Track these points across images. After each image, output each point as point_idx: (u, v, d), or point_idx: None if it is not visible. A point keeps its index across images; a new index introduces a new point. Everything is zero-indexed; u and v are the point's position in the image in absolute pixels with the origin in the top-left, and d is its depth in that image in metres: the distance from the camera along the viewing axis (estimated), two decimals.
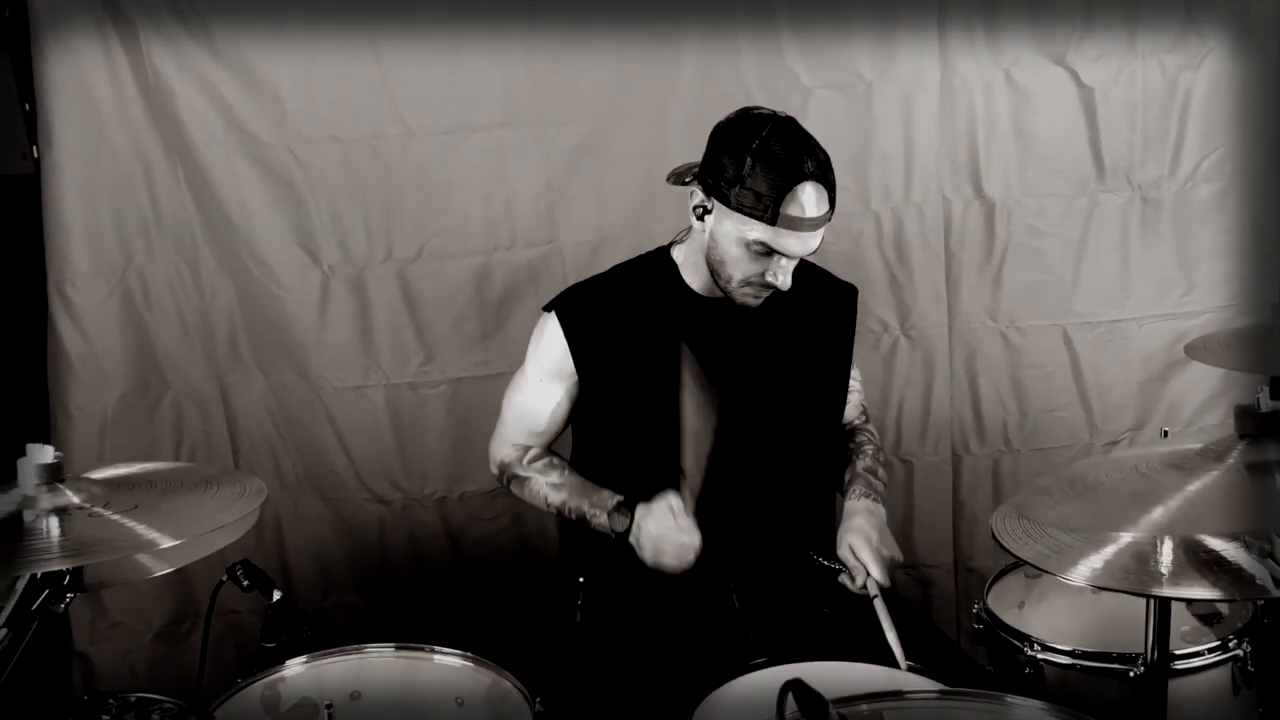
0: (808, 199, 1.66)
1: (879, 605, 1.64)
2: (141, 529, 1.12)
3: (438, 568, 2.60)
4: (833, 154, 2.35)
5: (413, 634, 2.54)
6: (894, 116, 2.39)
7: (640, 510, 1.77)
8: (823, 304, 1.96)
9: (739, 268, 1.74)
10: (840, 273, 2.44)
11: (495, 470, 2.04)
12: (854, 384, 2.04)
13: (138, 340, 2.45)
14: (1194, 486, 1.04)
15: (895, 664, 1.57)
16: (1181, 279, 2.47)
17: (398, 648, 1.76)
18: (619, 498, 1.81)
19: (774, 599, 1.84)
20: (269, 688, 1.70)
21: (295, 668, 1.71)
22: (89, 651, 2.52)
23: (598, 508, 1.83)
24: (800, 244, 1.70)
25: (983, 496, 2.58)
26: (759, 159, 1.66)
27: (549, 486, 1.91)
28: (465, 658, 1.73)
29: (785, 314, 1.89)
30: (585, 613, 1.97)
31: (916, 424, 2.54)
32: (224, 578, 1.70)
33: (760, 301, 1.80)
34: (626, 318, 1.88)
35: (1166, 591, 1.11)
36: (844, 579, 1.76)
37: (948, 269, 2.47)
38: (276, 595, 1.70)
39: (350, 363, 2.48)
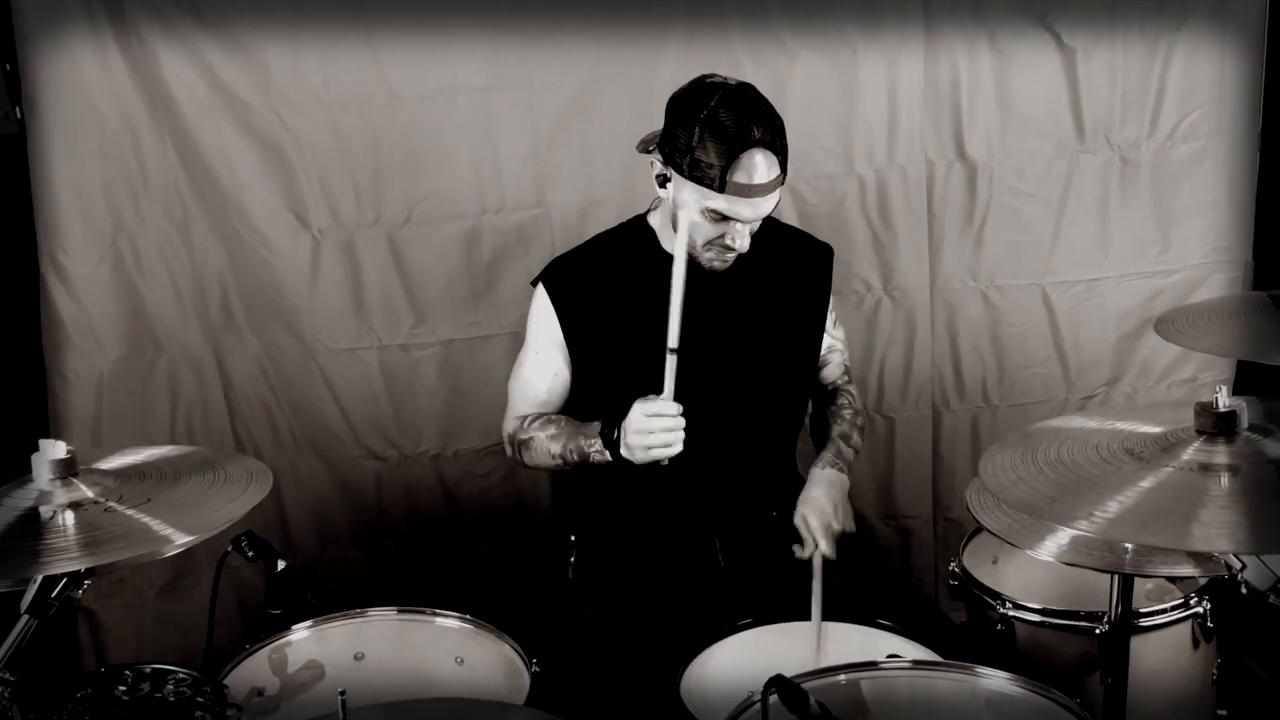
0: (755, 166, 1.70)
1: (816, 562, 1.74)
2: (156, 525, 1.17)
3: (434, 521, 2.67)
4: (817, 117, 2.42)
5: (410, 586, 2.65)
6: (878, 79, 2.41)
7: (623, 422, 1.78)
8: (797, 263, 2.01)
9: (699, 232, 1.80)
10: (824, 234, 2.47)
11: (507, 448, 2.04)
12: (836, 344, 2.09)
13: (131, 305, 2.47)
14: (1147, 483, 1.09)
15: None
16: (1158, 237, 2.52)
17: (399, 610, 1.84)
18: (599, 423, 1.83)
19: (758, 556, 1.92)
20: (276, 651, 1.78)
21: (301, 632, 1.79)
22: (95, 608, 2.58)
23: (591, 437, 1.84)
24: (751, 209, 1.75)
25: (961, 450, 2.65)
26: (706, 128, 1.70)
27: (548, 439, 1.91)
28: (464, 620, 1.81)
29: (759, 274, 1.95)
30: (577, 569, 2.05)
31: (898, 381, 2.60)
32: (229, 548, 1.76)
33: (727, 265, 1.85)
34: (610, 285, 1.93)
35: (1130, 570, 1.18)
36: (795, 547, 1.82)
37: (930, 230, 2.50)
38: (281, 565, 1.76)
39: (343, 325, 2.51)
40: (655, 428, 1.71)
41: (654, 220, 1.96)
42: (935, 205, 2.49)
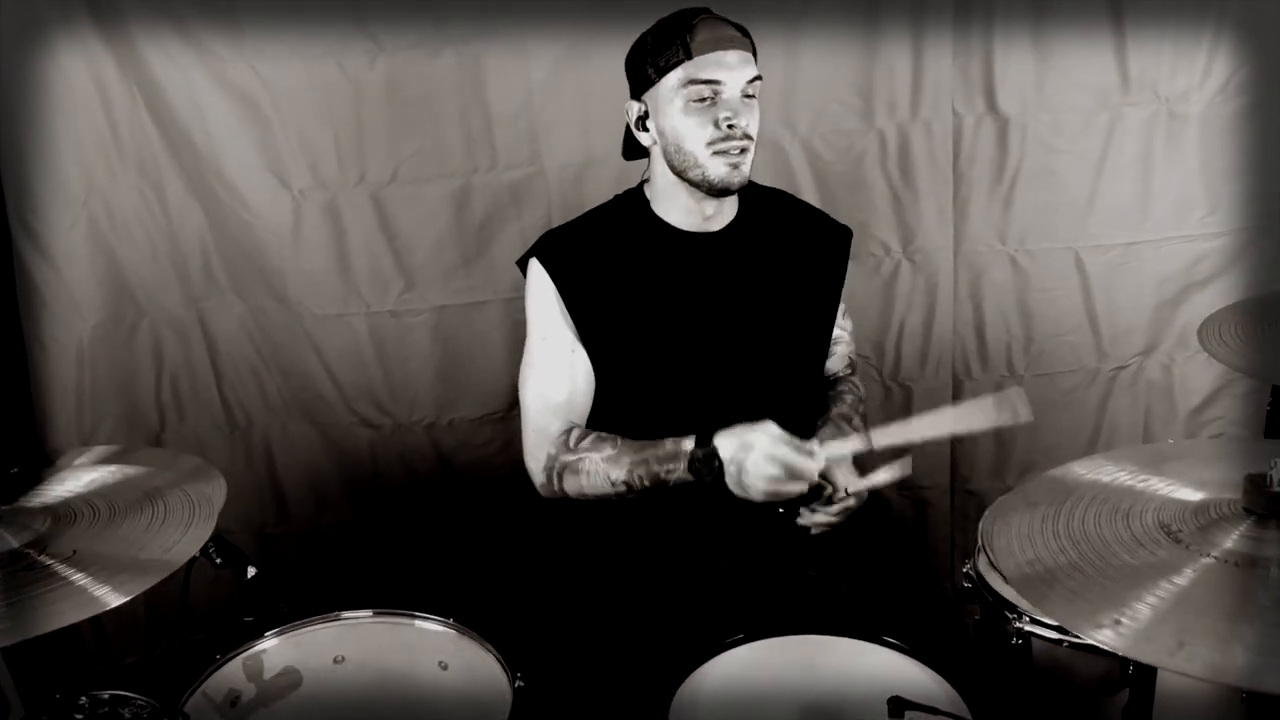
0: (714, 24, 1.66)
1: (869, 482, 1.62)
2: (83, 581, 1.06)
3: (431, 488, 2.59)
4: (834, 66, 2.24)
5: (403, 566, 2.58)
6: (902, 26, 2.19)
7: (729, 444, 1.57)
8: (813, 244, 1.85)
9: (695, 136, 1.66)
10: (841, 194, 2.32)
11: (542, 480, 1.77)
12: (843, 334, 1.94)
13: (108, 268, 2.37)
14: (1183, 579, 0.94)
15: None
16: (1204, 198, 2.31)
17: (376, 613, 1.76)
18: (689, 440, 1.60)
19: (763, 559, 1.81)
20: (251, 659, 1.70)
21: (275, 639, 1.71)
22: None
23: (670, 460, 1.61)
24: (727, 68, 1.63)
25: None
26: (656, 27, 1.70)
27: (605, 461, 1.67)
28: (447, 624, 1.73)
29: (771, 251, 1.79)
30: (570, 560, 1.95)
31: (916, 349, 2.45)
32: (196, 554, 1.67)
33: (741, 172, 1.67)
34: (608, 260, 1.77)
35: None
36: (802, 516, 1.69)
37: (955, 189, 2.32)
38: (251, 572, 1.67)
39: (329, 290, 2.39)
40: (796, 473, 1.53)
41: (649, 190, 1.80)
42: (962, 163, 2.29)
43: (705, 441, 1.59)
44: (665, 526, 1.81)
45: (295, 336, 2.44)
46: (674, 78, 1.64)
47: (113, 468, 1.34)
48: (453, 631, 1.72)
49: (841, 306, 1.92)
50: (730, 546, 1.80)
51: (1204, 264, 2.34)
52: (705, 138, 1.65)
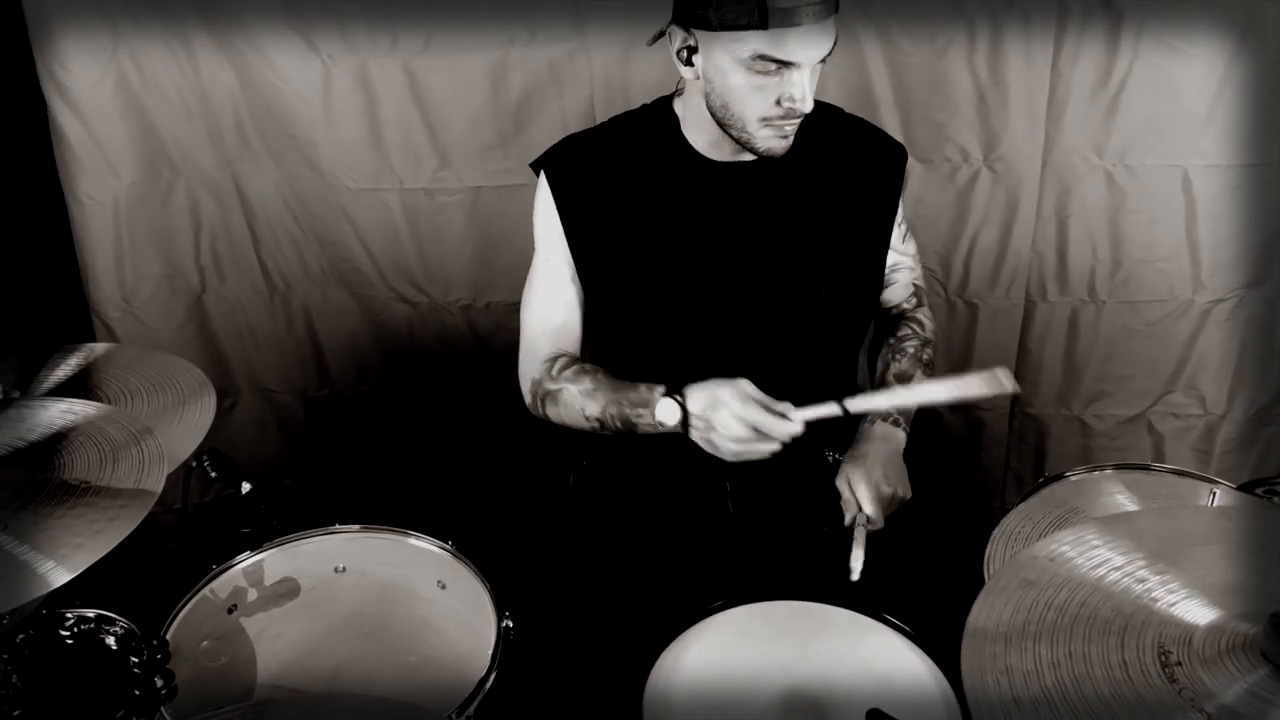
0: None
1: (859, 529, 1.48)
2: (23, 553, 1.02)
3: (468, 367, 2.54)
4: None
5: (443, 431, 2.56)
6: None
7: (699, 398, 1.44)
8: (863, 169, 1.63)
9: (749, 104, 1.45)
10: (918, 91, 2.07)
11: (529, 401, 1.71)
12: (906, 260, 1.74)
13: (140, 125, 2.29)
14: None
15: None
16: None
17: (363, 529, 1.76)
18: (660, 388, 1.49)
19: (773, 505, 1.70)
20: (254, 567, 1.71)
21: (274, 549, 1.72)
22: None
23: (640, 405, 1.50)
24: (805, 45, 1.38)
25: (1054, 346, 2.30)
26: None
27: (582, 395, 1.57)
28: (444, 548, 1.71)
29: (813, 180, 1.59)
30: (576, 488, 1.88)
31: (988, 266, 2.22)
32: (193, 464, 1.65)
33: (789, 141, 1.49)
34: (622, 178, 1.61)
35: None
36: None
37: (1052, 91, 2.02)
38: (246, 487, 1.65)
39: (361, 163, 2.27)
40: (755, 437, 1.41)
41: (679, 107, 1.60)
42: (1062, 62, 1.99)
43: (676, 392, 1.47)
44: (676, 474, 1.72)
45: (330, 207, 2.36)
46: (738, 41, 1.40)
47: (75, 406, 1.28)
48: (449, 555, 1.70)
49: (901, 229, 1.71)
50: (742, 484, 1.69)
51: None
52: (761, 111, 1.44)
